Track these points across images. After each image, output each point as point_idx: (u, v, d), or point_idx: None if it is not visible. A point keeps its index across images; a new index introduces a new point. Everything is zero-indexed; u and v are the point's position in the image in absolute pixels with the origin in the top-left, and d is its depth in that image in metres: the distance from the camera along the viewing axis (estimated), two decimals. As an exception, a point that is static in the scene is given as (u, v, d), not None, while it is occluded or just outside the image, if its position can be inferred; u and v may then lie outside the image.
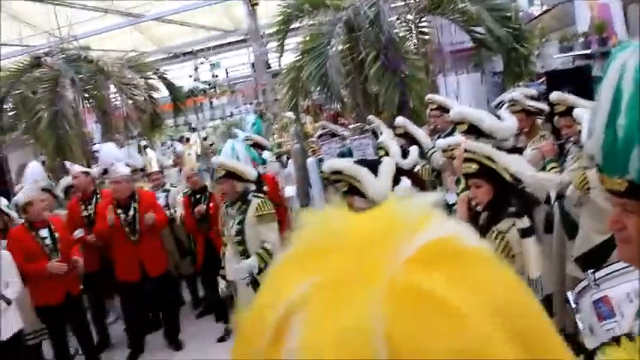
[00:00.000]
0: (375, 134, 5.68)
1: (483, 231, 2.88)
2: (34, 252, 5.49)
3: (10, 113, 9.47)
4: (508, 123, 3.85)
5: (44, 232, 5.66)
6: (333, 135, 6.79)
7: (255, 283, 4.67)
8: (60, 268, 5.52)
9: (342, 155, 6.10)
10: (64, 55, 9.43)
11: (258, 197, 4.87)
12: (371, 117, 5.97)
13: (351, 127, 6.85)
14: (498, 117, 3.92)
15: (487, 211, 2.95)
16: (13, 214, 6.04)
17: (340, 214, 0.62)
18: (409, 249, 0.54)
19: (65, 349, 5.91)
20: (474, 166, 2.92)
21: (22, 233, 5.64)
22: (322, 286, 0.54)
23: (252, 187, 5.00)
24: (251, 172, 4.98)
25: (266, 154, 7.31)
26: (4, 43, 12.49)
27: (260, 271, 4.59)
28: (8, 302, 5.09)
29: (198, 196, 6.28)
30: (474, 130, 3.83)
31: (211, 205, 6.19)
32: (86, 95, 9.58)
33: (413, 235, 0.55)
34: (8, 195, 7.46)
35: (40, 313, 5.60)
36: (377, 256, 0.54)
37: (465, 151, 2.98)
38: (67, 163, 7.36)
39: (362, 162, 3.24)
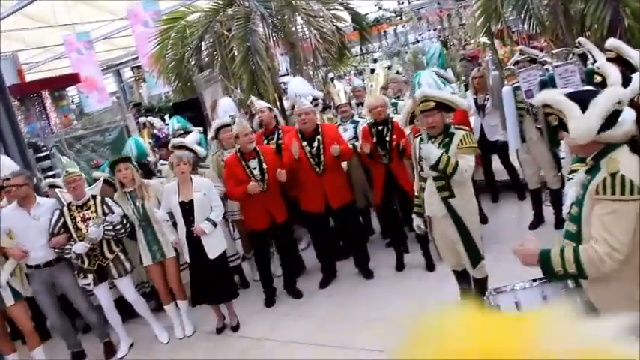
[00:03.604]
0: (583, 59, 5.11)
1: None
2: (244, 180, 5.88)
3: (206, 52, 10.07)
4: None
5: (254, 163, 6.01)
6: (532, 61, 6.25)
7: (452, 212, 4.57)
8: (255, 189, 5.83)
9: (543, 84, 5.63)
10: (254, -8, 9.71)
11: (463, 129, 4.64)
12: (581, 39, 5.33)
13: (554, 52, 6.24)
14: None
15: None
16: (199, 149, 6.47)
17: (462, 327, 0.58)
18: None
19: (268, 270, 6.36)
20: None
21: (234, 161, 6.07)
22: None
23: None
24: (463, 102, 4.82)
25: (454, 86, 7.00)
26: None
27: (436, 165, 4.40)
28: (214, 225, 5.56)
29: (380, 127, 6.16)
30: None
31: (394, 136, 6.11)
32: (275, 29, 9.83)
33: None
34: (205, 130, 8.00)
35: (250, 238, 6.03)
36: None
37: None
38: (253, 98, 7.66)
39: (575, 94, 2.89)
